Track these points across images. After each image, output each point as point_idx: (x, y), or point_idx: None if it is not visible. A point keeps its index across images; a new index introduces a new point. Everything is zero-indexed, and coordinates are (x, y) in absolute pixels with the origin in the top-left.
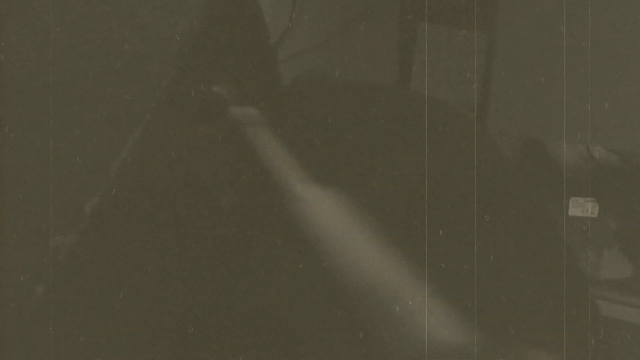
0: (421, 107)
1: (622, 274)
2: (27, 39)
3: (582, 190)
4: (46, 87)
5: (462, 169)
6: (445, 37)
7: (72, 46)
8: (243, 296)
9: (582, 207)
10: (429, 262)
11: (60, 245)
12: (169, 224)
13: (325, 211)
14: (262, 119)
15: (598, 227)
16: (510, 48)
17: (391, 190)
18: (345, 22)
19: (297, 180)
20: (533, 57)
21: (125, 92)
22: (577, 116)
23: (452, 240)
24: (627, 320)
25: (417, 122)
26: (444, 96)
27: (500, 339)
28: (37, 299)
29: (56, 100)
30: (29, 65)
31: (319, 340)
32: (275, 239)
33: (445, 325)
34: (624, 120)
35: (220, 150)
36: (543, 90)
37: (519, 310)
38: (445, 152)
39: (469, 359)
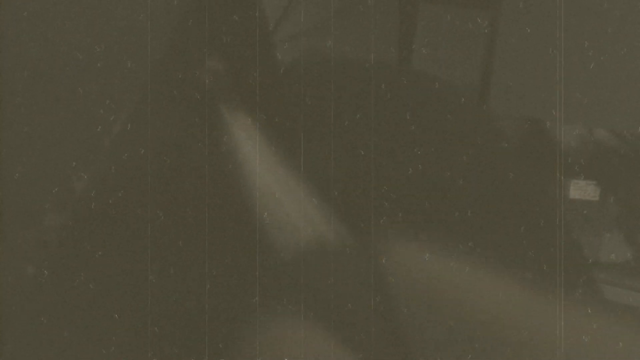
0: (423, 88)
1: (623, 258)
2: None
3: (583, 173)
4: (39, 69)
5: (463, 151)
6: (447, 17)
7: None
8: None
9: (582, 190)
10: (429, 244)
11: (52, 228)
12: (161, 209)
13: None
14: (258, 103)
15: (599, 210)
16: (513, 28)
17: (392, 173)
18: (344, 2)
19: (293, 167)
20: (537, 37)
21: (117, 71)
22: (578, 97)
23: (451, 221)
24: (628, 304)
25: (419, 102)
26: (445, 77)
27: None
28: (28, 280)
29: (47, 77)
30: (24, 52)
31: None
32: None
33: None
34: (626, 102)
35: (214, 138)
36: (546, 70)
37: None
38: (446, 134)
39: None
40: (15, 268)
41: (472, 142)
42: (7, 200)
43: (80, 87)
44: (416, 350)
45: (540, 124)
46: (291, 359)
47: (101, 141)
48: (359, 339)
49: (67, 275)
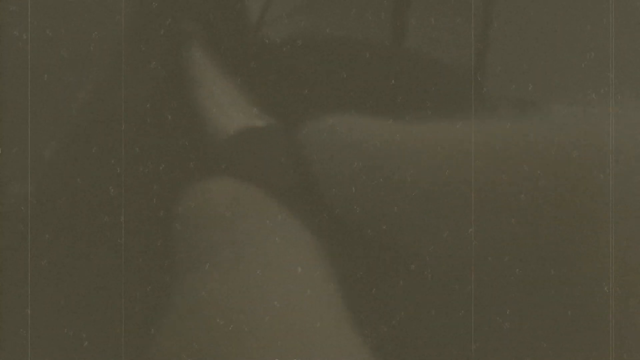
0: (416, 67)
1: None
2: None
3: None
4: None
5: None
6: None
7: None
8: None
9: None
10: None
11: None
12: (143, 172)
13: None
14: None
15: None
16: (511, 7)
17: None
18: None
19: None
20: (534, 18)
21: (86, 34)
22: (576, 77)
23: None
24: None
25: (412, 82)
26: (439, 56)
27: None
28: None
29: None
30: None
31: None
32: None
33: None
34: (627, 81)
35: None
36: (544, 51)
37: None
38: (441, 115)
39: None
40: (13, 265)
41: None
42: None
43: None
44: None
45: (538, 105)
46: None
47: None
48: None
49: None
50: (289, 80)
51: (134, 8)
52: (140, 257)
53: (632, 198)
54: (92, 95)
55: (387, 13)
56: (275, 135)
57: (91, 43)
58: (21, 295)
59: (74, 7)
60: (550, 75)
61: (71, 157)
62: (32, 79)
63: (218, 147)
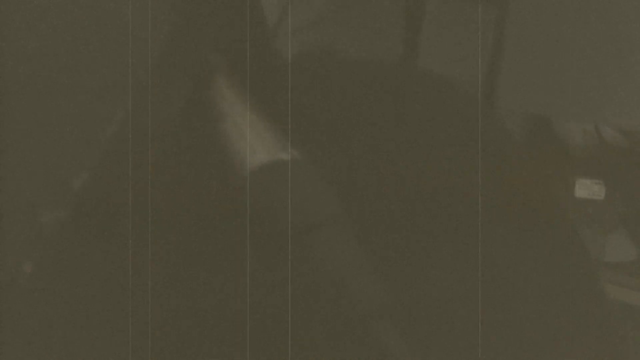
0: (425, 85)
1: (627, 257)
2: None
3: (590, 171)
4: (37, 61)
5: (467, 150)
6: (452, 10)
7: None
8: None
9: (589, 189)
10: (428, 250)
11: (48, 222)
12: (166, 202)
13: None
14: (259, 97)
15: (604, 209)
16: (520, 23)
17: (393, 171)
18: None
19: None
20: (544, 32)
21: (114, 65)
22: (586, 95)
23: (455, 226)
24: (632, 304)
25: (420, 100)
26: (448, 73)
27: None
28: (25, 276)
29: (43, 71)
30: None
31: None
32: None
33: None
34: (634, 100)
35: (213, 130)
36: (553, 67)
37: (527, 297)
38: (449, 133)
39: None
40: (13, 266)
41: (476, 139)
42: (5, 198)
43: (79, 85)
44: None
45: (548, 121)
46: None
47: (99, 138)
48: None
49: (65, 273)
50: (313, 112)
51: (160, 39)
52: (165, 293)
53: None
54: (119, 127)
55: (398, 29)
56: (300, 168)
57: (118, 74)
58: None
59: (95, 37)
60: (563, 92)
61: (98, 187)
62: (58, 107)
63: (243, 180)
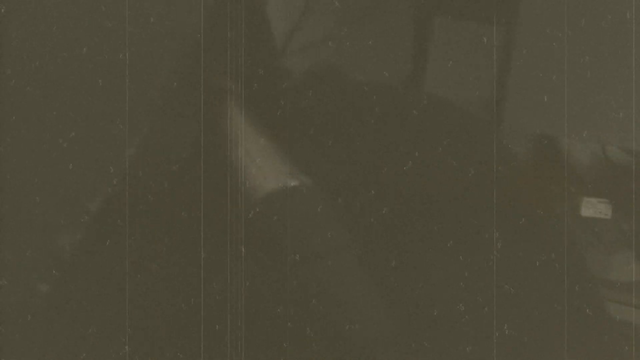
0: (434, 109)
1: (632, 277)
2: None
3: (596, 190)
4: (46, 85)
5: (475, 172)
6: (461, 32)
7: (73, 42)
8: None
9: (594, 208)
10: (436, 273)
11: (65, 245)
12: (174, 224)
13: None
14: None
15: (610, 228)
16: (529, 45)
17: (401, 195)
18: (355, 16)
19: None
20: (552, 54)
21: (130, 88)
22: (592, 115)
23: (463, 249)
24: (636, 323)
25: (430, 124)
26: (458, 97)
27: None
28: (40, 298)
29: (58, 96)
30: (30, 63)
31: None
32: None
33: None
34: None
35: (224, 150)
36: (559, 88)
37: (526, 314)
38: (460, 158)
39: None
40: (16, 271)
41: (480, 159)
42: (10, 200)
43: (84, 86)
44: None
45: (554, 140)
46: None
47: (110, 143)
48: None
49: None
50: (323, 139)
51: (171, 65)
52: (173, 306)
53: None
54: (135, 150)
55: (407, 51)
56: (310, 197)
57: (133, 99)
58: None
59: (112, 62)
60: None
61: (112, 214)
62: (74, 129)
63: (254, 206)
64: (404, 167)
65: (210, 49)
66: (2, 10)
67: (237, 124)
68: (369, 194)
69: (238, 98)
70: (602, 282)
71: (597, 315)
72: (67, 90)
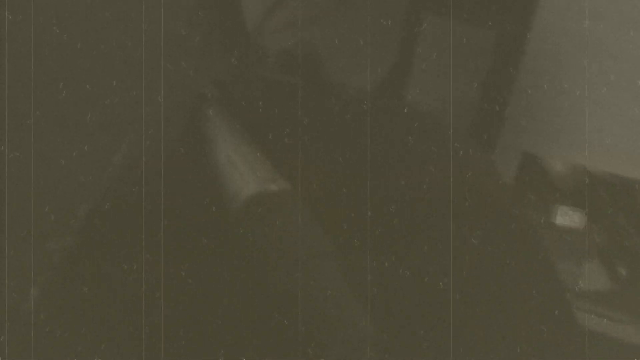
0: (415, 119)
1: (602, 287)
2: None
3: (571, 200)
4: (41, 89)
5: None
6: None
7: (68, 46)
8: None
9: (569, 217)
10: (410, 275)
11: (55, 249)
12: (164, 227)
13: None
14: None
15: (582, 238)
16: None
17: (379, 202)
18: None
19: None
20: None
21: (120, 94)
22: (572, 130)
23: (435, 255)
24: (605, 333)
25: (407, 132)
26: (435, 106)
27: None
28: (32, 302)
29: (51, 103)
30: (28, 66)
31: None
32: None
33: None
34: (618, 135)
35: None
36: (541, 105)
37: (500, 322)
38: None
39: None
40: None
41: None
42: (11, 225)
43: (76, 91)
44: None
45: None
46: None
47: (100, 147)
48: None
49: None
50: (308, 147)
51: (155, 70)
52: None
53: None
54: (123, 157)
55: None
56: (290, 200)
57: (122, 107)
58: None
59: (101, 69)
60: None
61: (98, 216)
62: (63, 136)
63: (236, 212)
64: (390, 171)
65: (188, 51)
66: None
67: (218, 128)
68: (353, 197)
69: (223, 106)
70: (573, 291)
71: (568, 326)
72: (54, 95)
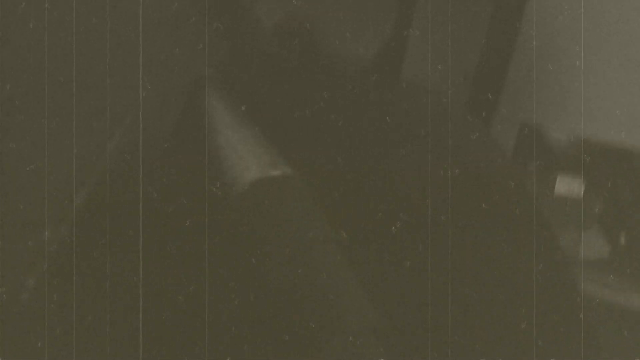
0: (410, 92)
1: (601, 255)
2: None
3: (570, 169)
4: (38, 79)
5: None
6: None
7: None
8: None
9: (568, 186)
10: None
11: (52, 238)
12: (161, 217)
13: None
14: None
15: (582, 206)
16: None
17: (377, 182)
18: None
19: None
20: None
21: (113, 83)
22: (571, 103)
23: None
24: (607, 300)
25: (404, 108)
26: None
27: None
28: (29, 292)
29: (47, 93)
30: (23, 58)
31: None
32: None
33: None
34: (616, 108)
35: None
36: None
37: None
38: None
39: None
40: (15, 270)
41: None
42: (6, 216)
43: (77, 103)
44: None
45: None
46: None
47: (95, 137)
48: None
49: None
50: (307, 128)
51: (152, 53)
52: (158, 280)
53: None
54: (118, 143)
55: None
56: (291, 184)
57: (117, 92)
58: None
59: (97, 54)
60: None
61: (95, 204)
62: (57, 124)
63: (236, 197)
64: (391, 158)
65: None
66: None
67: (217, 111)
68: (355, 184)
69: (221, 87)
70: (573, 260)
71: (570, 294)
72: (49, 85)
